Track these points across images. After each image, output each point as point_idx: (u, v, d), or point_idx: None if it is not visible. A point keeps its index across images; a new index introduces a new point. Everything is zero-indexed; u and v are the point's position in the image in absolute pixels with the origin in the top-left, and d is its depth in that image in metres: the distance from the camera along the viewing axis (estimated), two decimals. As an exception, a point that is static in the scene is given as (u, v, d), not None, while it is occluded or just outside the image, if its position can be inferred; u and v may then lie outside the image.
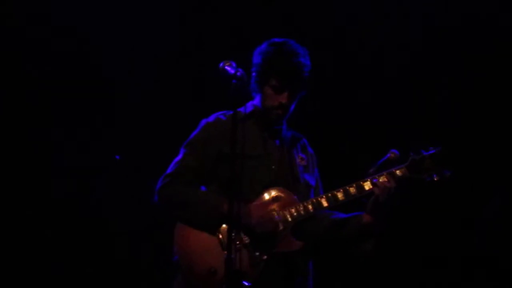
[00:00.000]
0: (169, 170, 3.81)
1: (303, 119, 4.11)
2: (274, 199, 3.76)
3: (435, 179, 3.73)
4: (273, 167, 3.83)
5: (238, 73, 3.47)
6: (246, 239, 3.69)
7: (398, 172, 3.74)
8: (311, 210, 3.76)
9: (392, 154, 3.77)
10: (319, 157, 4.07)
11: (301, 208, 3.76)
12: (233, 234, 3.32)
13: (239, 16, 5.55)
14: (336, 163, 5.05)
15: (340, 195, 3.76)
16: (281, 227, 3.72)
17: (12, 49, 5.50)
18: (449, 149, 3.74)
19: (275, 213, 3.73)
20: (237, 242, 3.41)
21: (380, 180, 3.72)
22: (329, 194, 3.78)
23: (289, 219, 3.74)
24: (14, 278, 5.47)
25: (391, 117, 5.66)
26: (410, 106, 5.67)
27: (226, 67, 3.50)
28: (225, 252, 3.52)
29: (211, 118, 3.88)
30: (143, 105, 5.58)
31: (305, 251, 3.79)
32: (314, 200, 3.78)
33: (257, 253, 3.68)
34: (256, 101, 3.90)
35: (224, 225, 3.68)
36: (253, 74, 3.84)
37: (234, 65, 3.51)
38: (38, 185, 5.56)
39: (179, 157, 3.83)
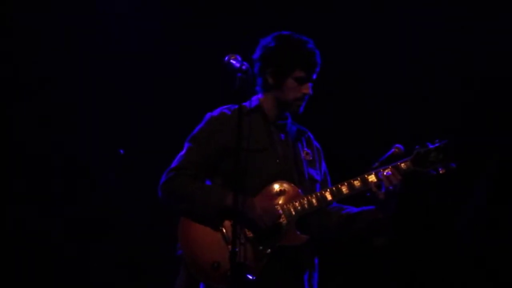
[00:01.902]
0: (173, 165, 3.80)
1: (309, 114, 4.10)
2: (278, 193, 3.75)
3: (441, 172, 3.69)
4: (277, 160, 3.81)
5: (244, 67, 3.48)
6: (250, 233, 3.68)
7: (403, 165, 3.71)
8: (315, 204, 3.74)
9: (396, 149, 3.74)
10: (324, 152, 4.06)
11: (305, 202, 3.74)
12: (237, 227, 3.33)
13: (244, 10, 5.58)
14: (341, 158, 5.04)
15: (344, 189, 3.74)
16: (284, 221, 3.71)
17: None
18: (456, 142, 3.71)
19: (278, 206, 3.72)
20: (240, 236, 3.41)
21: (385, 173, 3.69)
22: (334, 188, 3.76)
23: (293, 212, 3.73)
24: (15, 276, 5.50)
25: (397, 113, 5.67)
26: (417, 102, 5.68)
27: (231, 61, 3.51)
28: (229, 246, 3.55)
29: (216, 112, 3.87)
30: (148, 99, 5.59)
31: (312, 246, 3.79)
32: (318, 194, 3.76)
33: (261, 247, 3.68)
34: (260, 95, 3.89)
35: (227, 220, 3.67)
36: (269, 70, 3.80)
37: (239, 58, 3.52)
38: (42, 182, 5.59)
39: (184, 151, 3.82)
